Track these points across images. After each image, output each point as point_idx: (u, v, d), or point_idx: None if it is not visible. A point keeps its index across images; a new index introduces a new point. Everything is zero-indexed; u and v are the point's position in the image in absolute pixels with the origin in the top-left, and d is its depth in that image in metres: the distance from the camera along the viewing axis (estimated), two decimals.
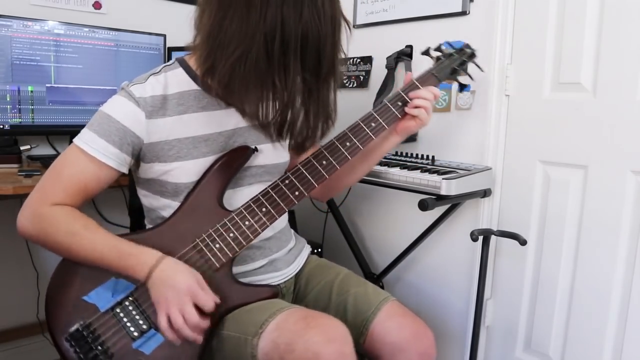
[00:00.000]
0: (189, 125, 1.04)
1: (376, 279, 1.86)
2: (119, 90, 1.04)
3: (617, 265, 1.39)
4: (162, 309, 0.94)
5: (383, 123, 1.12)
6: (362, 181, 1.60)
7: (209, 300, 0.94)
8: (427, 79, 1.20)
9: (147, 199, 1.11)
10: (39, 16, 1.66)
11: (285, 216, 1.22)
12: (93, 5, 1.89)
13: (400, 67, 1.83)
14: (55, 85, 1.67)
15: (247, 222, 1.04)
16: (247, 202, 1.05)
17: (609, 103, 1.38)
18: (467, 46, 1.34)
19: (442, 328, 1.78)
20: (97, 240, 0.97)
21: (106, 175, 1.01)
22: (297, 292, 1.21)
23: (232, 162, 1.07)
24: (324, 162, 1.08)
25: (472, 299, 1.65)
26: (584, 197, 1.45)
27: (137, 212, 1.26)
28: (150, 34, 1.84)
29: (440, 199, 1.42)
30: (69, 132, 1.72)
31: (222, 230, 1.03)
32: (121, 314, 0.98)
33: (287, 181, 1.07)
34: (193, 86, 1.05)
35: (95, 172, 1.00)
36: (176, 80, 1.05)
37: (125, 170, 1.04)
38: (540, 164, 1.54)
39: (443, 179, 1.40)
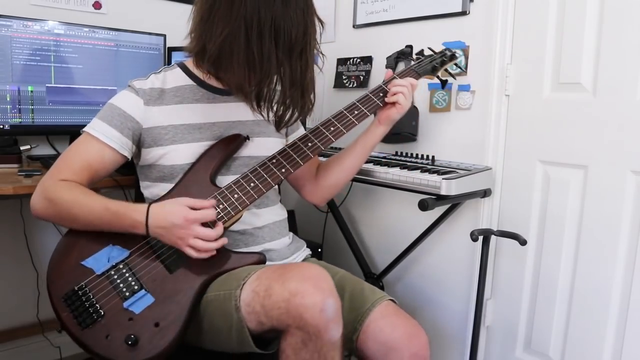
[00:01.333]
0: (184, 114, 1.16)
1: (376, 279, 1.86)
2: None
3: (617, 265, 1.39)
4: (182, 247, 1.02)
5: (365, 110, 1.21)
6: (362, 181, 1.60)
7: (208, 214, 1.02)
8: (407, 73, 1.30)
9: (149, 189, 1.19)
10: (39, 16, 1.66)
11: (280, 212, 1.28)
12: (93, 5, 1.89)
13: (400, 67, 1.83)
14: (55, 85, 1.67)
15: (235, 195, 1.10)
16: (237, 178, 1.13)
17: (609, 103, 1.38)
18: (448, 49, 1.45)
19: (442, 328, 1.78)
20: (94, 204, 1.05)
21: (109, 157, 1.12)
22: None
23: (225, 147, 1.17)
24: (309, 144, 1.16)
25: (472, 299, 1.65)
26: (584, 197, 1.45)
27: None
28: (150, 34, 1.84)
29: (440, 199, 1.42)
30: (69, 132, 1.72)
31: None
32: (115, 276, 1.04)
33: (274, 160, 1.15)
34: (189, 82, 1.19)
35: (98, 152, 1.11)
36: (174, 77, 1.19)
37: (127, 154, 1.14)
38: (540, 164, 1.54)
39: (443, 179, 1.40)
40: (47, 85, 1.65)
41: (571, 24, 1.44)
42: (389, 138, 1.55)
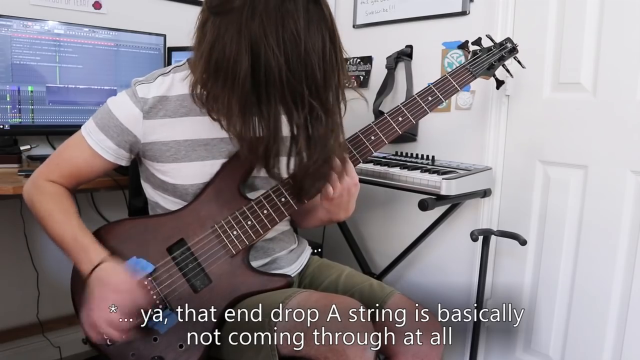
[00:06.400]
0: (190, 128, 1.04)
1: (376, 279, 1.85)
2: (130, 85, 1.06)
3: (617, 265, 1.39)
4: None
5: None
6: (363, 181, 1.59)
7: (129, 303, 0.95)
8: (460, 73, 1.19)
9: (149, 191, 1.13)
10: (39, 16, 1.66)
11: (286, 221, 1.21)
12: (93, 5, 1.89)
13: (400, 67, 1.83)
14: (55, 85, 1.67)
15: (265, 211, 1.04)
16: (267, 191, 1.05)
17: (609, 103, 1.38)
18: (509, 40, 1.30)
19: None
20: (65, 226, 1.01)
21: (100, 165, 1.06)
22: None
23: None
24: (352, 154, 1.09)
25: (472, 299, 1.65)
26: (584, 197, 1.45)
27: (137, 213, 1.26)
28: (150, 34, 1.84)
29: (440, 199, 1.42)
30: (69, 132, 1.69)
31: (240, 218, 1.03)
32: None
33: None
34: (197, 89, 1.02)
35: (90, 160, 1.05)
36: (182, 82, 1.04)
37: (123, 163, 1.07)
38: (540, 164, 1.54)
39: (443, 179, 1.40)
40: (47, 85, 1.65)
41: (571, 24, 1.44)
42: None
